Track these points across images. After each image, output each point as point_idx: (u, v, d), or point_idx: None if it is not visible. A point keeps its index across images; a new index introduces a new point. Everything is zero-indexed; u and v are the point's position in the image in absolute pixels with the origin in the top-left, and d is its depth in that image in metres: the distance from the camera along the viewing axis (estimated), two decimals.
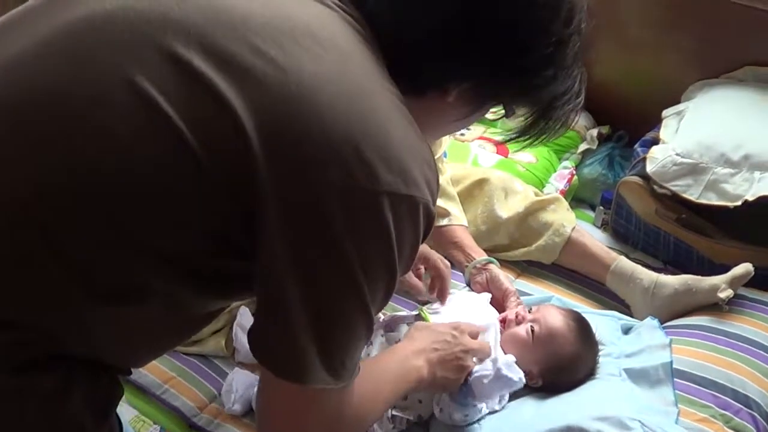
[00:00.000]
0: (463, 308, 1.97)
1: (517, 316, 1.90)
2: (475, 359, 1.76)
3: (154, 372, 2.03)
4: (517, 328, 1.89)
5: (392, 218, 1.10)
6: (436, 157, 2.26)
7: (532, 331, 1.88)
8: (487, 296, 2.06)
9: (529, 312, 1.93)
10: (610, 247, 2.50)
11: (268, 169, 1.06)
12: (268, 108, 1.07)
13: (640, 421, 1.69)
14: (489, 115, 1.39)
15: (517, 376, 1.79)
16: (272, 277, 1.12)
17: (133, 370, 1.44)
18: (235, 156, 1.06)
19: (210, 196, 1.09)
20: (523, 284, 2.39)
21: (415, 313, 1.95)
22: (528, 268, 2.46)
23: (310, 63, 1.10)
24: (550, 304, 2.02)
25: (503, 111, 1.33)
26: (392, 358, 1.64)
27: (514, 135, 1.35)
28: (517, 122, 1.34)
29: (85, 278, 1.10)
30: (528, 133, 1.34)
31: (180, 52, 1.08)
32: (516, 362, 1.84)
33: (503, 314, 1.95)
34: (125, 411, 1.96)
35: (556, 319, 1.90)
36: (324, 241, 1.10)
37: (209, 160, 1.06)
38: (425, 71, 1.24)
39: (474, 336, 1.79)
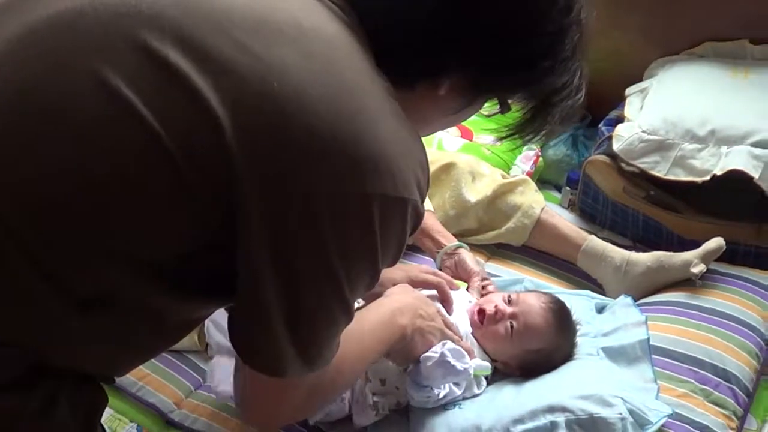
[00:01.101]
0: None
1: (496, 313, 1.86)
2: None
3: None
4: (495, 327, 1.86)
5: (379, 221, 1.07)
6: None
7: (511, 327, 1.85)
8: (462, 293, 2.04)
9: (509, 302, 1.90)
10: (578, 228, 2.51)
11: (249, 170, 1.02)
12: (250, 107, 1.02)
13: (621, 398, 1.68)
14: (483, 111, 1.34)
15: (463, 366, 1.75)
16: (253, 278, 1.09)
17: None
18: (213, 157, 1.02)
19: (187, 198, 1.04)
20: (494, 267, 2.38)
21: None
22: (497, 250, 2.45)
23: (294, 57, 1.05)
24: (531, 292, 2.00)
25: (498, 106, 1.29)
26: (376, 312, 1.62)
27: (510, 132, 1.30)
28: (513, 118, 1.30)
29: (61, 288, 1.06)
30: (525, 130, 1.29)
31: (154, 46, 1.03)
32: (492, 354, 1.87)
33: (481, 304, 1.91)
34: None
35: (535, 314, 1.87)
36: (308, 245, 1.07)
37: (185, 161, 1.02)
38: (414, 62, 1.18)
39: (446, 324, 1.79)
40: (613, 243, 2.39)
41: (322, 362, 1.20)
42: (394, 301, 1.67)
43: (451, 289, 1.95)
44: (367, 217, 1.07)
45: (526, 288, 2.23)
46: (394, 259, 1.18)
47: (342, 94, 1.06)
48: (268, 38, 1.06)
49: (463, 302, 1.96)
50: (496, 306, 1.87)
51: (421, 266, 2.03)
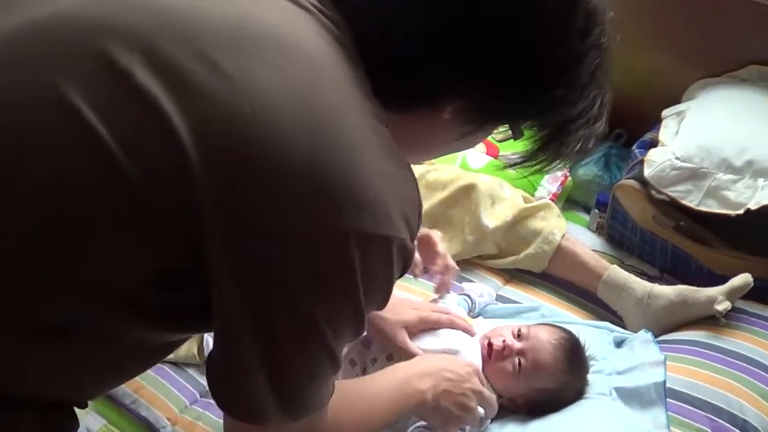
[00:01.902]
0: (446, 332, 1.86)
1: (504, 349, 1.78)
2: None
3: None
4: (502, 363, 1.78)
5: (359, 259, 0.98)
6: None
7: (519, 364, 1.77)
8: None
9: (518, 336, 1.81)
10: (604, 253, 2.44)
11: (216, 202, 0.94)
12: (218, 134, 0.94)
13: None
14: (495, 135, 1.24)
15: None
16: (225, 316, 1.02)
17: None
18: (176, 185, 0.94)
19: (148, 226, 0.97)
20: (512, 291, 2.31)
21: None
22: (517, 274, 2.37)
23: (271, 79, 0.97)
24: (544, 326, 1.90)
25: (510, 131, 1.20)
26: (390, 377, 1.54)
27: (521, 159, 1.20)
28: (527, 144, 1.20)
29: (13, 317, 1.00)
30: (536, 158, 1.19)
31: (121, 63, 0.95)
32: (498, 390, 1.78)
33: (490, 337, 1.83)
34: (93, 421, 1.92)
35: (544, 352, 1.78)
36: (279, 285, 0.98)
37: (145, 187, 0.94)
38: (413, 84, 1.09)
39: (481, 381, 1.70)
40: (640, 271, 2.32)
41: (306, 411, 1.12)
42: (413, 366, 1.59)
43: (465, 326, 1.87)
44: (346, 256, 0.98)
45: (543, 315, 2.15)
46: (382, 302, 1.09)
47: (321, 123, 0.97)
48: (245, 56, 0.98)
49: (475, 337, 1.88)
50: (504, 341, 1.78)
51: (432, 305, 1.93)
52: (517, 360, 1.77)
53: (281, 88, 0.97)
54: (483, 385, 1.72)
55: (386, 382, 1.50)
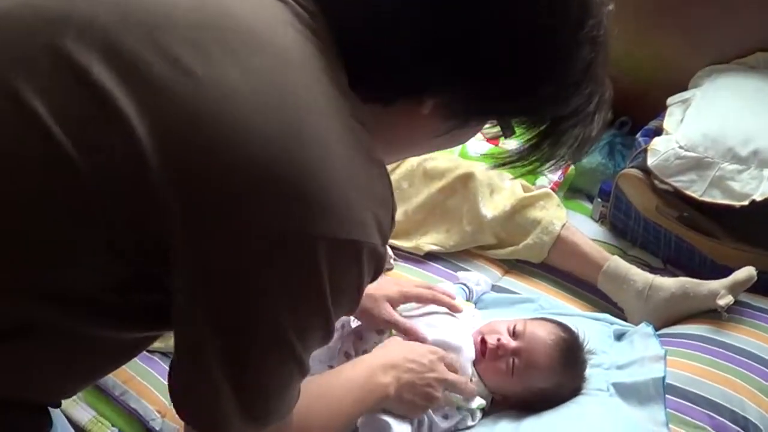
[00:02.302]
0: (438, 314, 1.84)
1: (498, 348, 1.73)
2: (446, 392, 1.64)
3: (114, 371, 1.91)
4: (496, 363, 1.74)
5: (327, 266, 0.94)
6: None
7: (513, 363, 1.73)
8: (469, 313, 1.91)
9: (514, 333, 1.77)
10: (607, 243, 2.41)
11: (176, 205, 0.90)
12: (179, 132, 0.89)
13: None
14: (485, 133, 1.18)
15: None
16: (186, 322, 0.98)
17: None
18: (134, 187, 0.90)
19: (104, 228, 0.92)
20: (511, 282, 2.27)
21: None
22: (517, 265, 2.33)
23: (236, 75, 0.92)
24: (541, 321, 1.84)
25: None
26: (357, 370, 1.51)
27: (511, 158, 1.13)
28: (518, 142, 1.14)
29: None
30: (528, 158, 1.12)
31: (78, 58, 0.91)
32: (491, 388, 1.76)
33: (484, 333, 1.78)
34: (82, 412, 1.90)
35: (539, 352, 1.74)
36: (243, 292, 0.94)
37: (101, 188, 0.90)
38: (390, 77, 1.03)
39: (451, 368, 1.66)
40: (643, 262, 2.29)
41: (271, 419, 1.08)
42: (377, 358, 1.56)
43: (449, 302, 1.84)
44: (312, 261, 0.93)
45: (541, 307, 2.11)
46: (350, 308, 1.05)
47: (288, 123, 0.92)
48: (210, 51, 0.93)
49: (469, 325, 1.83)
50: (498, 339, 1.74)
51: (416, 281, 1.89)
52: (511, 360, 1.72)
53: (247, 86, 0.92)
54: (471, 378, 1.71)
55: (350, 377, 1.47)
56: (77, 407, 1.91)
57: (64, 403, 1.86)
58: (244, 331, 0.96)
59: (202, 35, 0.94)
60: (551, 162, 1.13)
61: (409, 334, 1.73)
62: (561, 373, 1.74)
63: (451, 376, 1.64)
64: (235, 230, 0.91)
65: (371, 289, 1.70)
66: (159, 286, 0.97)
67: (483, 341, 1.75)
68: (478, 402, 1.72)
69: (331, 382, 1.41)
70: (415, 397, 1.56)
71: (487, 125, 1.13)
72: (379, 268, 1.02)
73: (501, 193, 2.30)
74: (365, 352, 1.72)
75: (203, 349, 0.97)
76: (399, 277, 2.21)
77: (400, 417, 1.61)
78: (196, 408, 1.04)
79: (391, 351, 1.59)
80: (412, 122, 1.08)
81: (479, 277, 2.16)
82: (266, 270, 0.92)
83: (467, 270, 2.25)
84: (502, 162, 1.14)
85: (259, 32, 0.96)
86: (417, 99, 1.05)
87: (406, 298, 1.79)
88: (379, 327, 1.76)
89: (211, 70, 0.91)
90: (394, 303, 1.77)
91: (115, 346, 1.11)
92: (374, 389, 1.48)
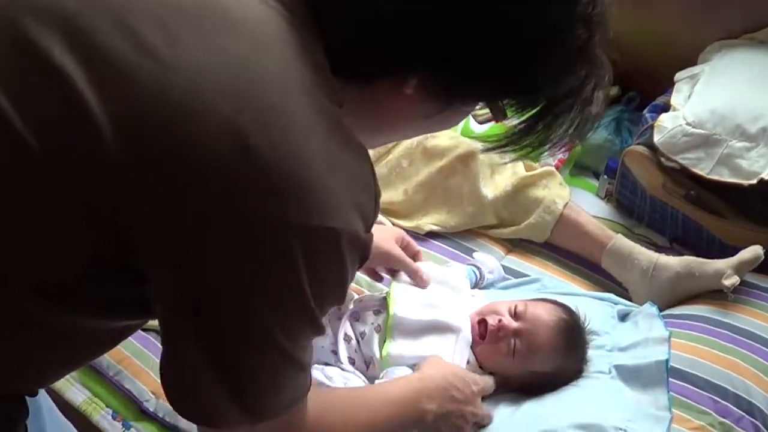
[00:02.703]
0: (438, 291, 1.80)
1: (499, 330, 1.70)
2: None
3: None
4: (497, 345, 1.70)
5: (303, 255, 0.90)
6: None
7: (514, 347, 1.69)
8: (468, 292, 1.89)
9: (515, 314, 1.73)
10: (613, 221, 2.36)
11: (140, 194, 0.86)
12: (143, 119, 0.85)
13: (624, 430, 1.52)
14: (476, 115, 1.12)
15: None
16: (167, 316, 0.95)
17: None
18: (93, 175, 0.86)
19: (66, 218, 0.89)
20: (514, 261, 2.23)
21: (383, 296, 1.78)
22: (519, 243, 2.29)
23: (203, 56, 0.87)
24: (542, 302, 1.80)
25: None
26: (402, 388, 1.48)
27: (501, 142, 1.08)
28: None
29: None
30: (519, 142, 1.07)
31: (39, 40, 0.87)
32: (490, 370, 1.72)
33: (485, 314, 1.74)
34: (76, 393, 1.89)
35: (542, 335, 1.70)
36: (216, 284, 0.90)
37: (60, 175, 0.86)
38: (369, 54, 0.98)
39: (489, 390, 1.65)
40: (650, 241, 2.25)
41: (270, 413, 1.03)
42: (425, 380, 1.51)
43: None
44: (286, 251, 0.89)
45: (544, 286, 2.07)
46: (338, 298, 1.01)
47: (258, 105, 0.87)
48: (176, 31, 0.88)
49: (468, 305, 1.81)
50: (499, 321, 1.70)
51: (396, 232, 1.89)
52: (512, 342, 1.69)
53: (215, 67, 0.88)
54: (468, 360, 1.69)
55: (392, 395, 1.44)
56: (71, 388, 1.89)
57: (58, 383, 1.85)
58: (221, 325, 0.93)
59: (171, 15, 0.89)
60: (546, 146, 1.07)
61: (414, 277, 1.75)
62: (563, 356, 1.71)
63: (485, 413, 1.61)
64: (202, 219, 0.87)
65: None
66: (132, 274, 0.93)
67: (483, 322, 1.71)
68: None
69: (370, 395, 1.39)
70: (447, 427, 1.53)
71: (478, 108, 1.08)
72: (363, 256, 0.98)
73: (502, 173, 2.26)
74: (363, 334, 1.69)
75: (185, 344, 0.95)
76: None
77: None
78: (190, 404, 1.01)
79: (440, 376, 1.55)
80: (395, 103, 1.03)
81: (495, 265, 2.11)
82: (237, 260, 0.89)
83: (475, 251, 2.22)
84: (493, 146, 1.09)
85: (230, 10, 0.92)
86: (399, 78, 1.00)
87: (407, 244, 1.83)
88: (391, 267, 1.79)
89: (177, 52, 0.87)
90: (399, 242, 1.80)
91: (94, 335, 1.07)
92: (414, 413, 1.45)
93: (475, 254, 2.15)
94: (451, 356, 1.66)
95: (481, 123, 1.13)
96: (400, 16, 0.94)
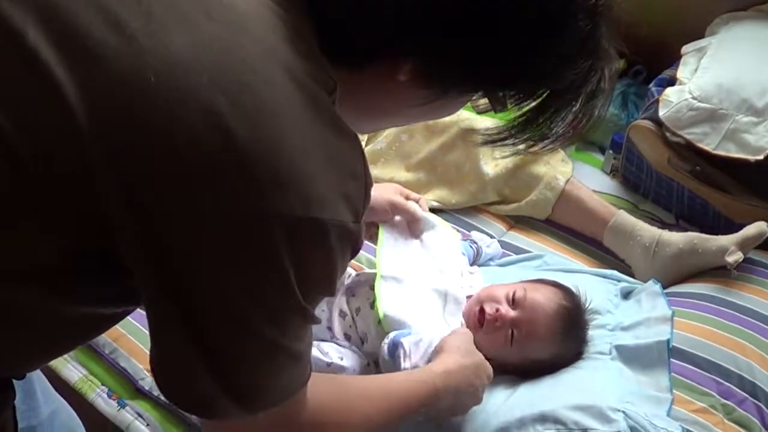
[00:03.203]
0: (421, 252, 1.79)
1: (496, 320, 1.66)
2: None
3: None
4: (494, 334, 1.66)
5: (286, 247, 0.86)
6: None
7: (512, 334, 1.66)
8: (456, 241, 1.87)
9: (513, 301, 1.69)
10: (618, 197, 2.34)
11: (116, 183, 0.83)
12: (117, 105, 0.82)
13: (623, 412, 1.49)
14: (474, 106, 1.07)
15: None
16: (152, 307, 0.91)
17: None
18: (70, 165, 0.83)
19: (44, 208, 0.86)
20: (516, 237, 2.21)
21: (375, 271, 1.74)
22: (521, 219, 2.27)
23: (183, 39, 0.84)
24: (542, 286, 1.76)
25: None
26: (421, 390, 1.41)
27: (500, 135, 1.04)
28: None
29: None
30: (519, 136, 1.03)
31: (13, 22, 0.83)
32: (488, 355, 1.64)
33: (483, 301, 1.71)
34: (72, 371, 1.88)
35: (540, 323, 1.66)
36: (198, 275, 0.87)
37: (36, 164, 0.83)
38: (360, 38, 0.95)
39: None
40: (655, 218, 2.23)
41: (265, 404, 1.00)
42: (440, 380, 1.44)
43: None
44: (268, 243, 0.86)
45: (545, 263, 2.04)
46: (327, 290, 0.98)
47: (237, 91, 0.84)
48: (156, 14, 0.85)
49: (456, 268, 1.80)
50: (497, 310, 1.66)
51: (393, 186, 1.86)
52: (510, 331, 1.65)
53: (193, 51, 0.84)
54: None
55: (408, 397, 1.38)
56: (67, 365, 1.88)
57: (54, 361, 1.84)
58: (206, 318, 0.90)
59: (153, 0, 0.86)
60: (547, 142, 1.04)
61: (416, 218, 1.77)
62: (561, 344, 1.68)
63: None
64: (177, 210, 0.84)
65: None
66: (115, 265, 0.90)
67: (481, 310, 1.68)
68: None
69: (384, 391, 1.34)
70: (450, 412, 1.52)
71: (476, 96, 1.04)
72: (355, 247, 0.95)
73: (504, 149, 2.20)
74: (359, 310, 1.67)
75: (172, 336, 0.91)
76: None
77: None
78: (183, 393, 0.98)
79: (460, 374, 1.49)
80: (388, 89, 1.00)
81: (492, 241, 2.09)
82: (217, 252, 0.86)
83: (477, 228, 2.20)
84: (491, 139, 1.05)
85: None
86: (392, 64, 0.96)
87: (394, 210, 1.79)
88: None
89: (156, 35, 0.83)
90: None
91: (81, 322, 1.03)
92: (425, 410, 1.42)
93: (472, 232, 2.11)
94: (442, 317, 1.65)
95: (480, 113, 1.08)
96: (392, 4, 0.91)
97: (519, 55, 0.94)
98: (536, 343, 1.66)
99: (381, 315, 1.60)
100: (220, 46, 0.85)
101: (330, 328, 1.68)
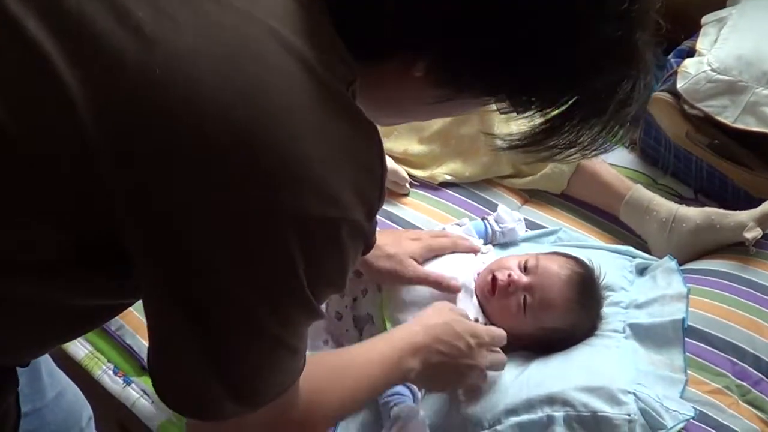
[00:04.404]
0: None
1: (509, 285, 1.63)
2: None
3: None
4: (507, 300, 1.63)
5: (297, 244, 0.84)
6: None
7: (524, 302, 1.62)
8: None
9: (525, 269, 1.66)
10: (637, 171, 2.29)
11: (120, 179, 0.81)
12: (121, 101, 0.79)
13: (634, 394, 1.46)
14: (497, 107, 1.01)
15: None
16: (154, 304, 0.90)
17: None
18: (73, 161, 0.81)
19: (46, 202, 0.84)
20: (530, 211, 2.17)
21: None
22: (536, 193, 2.22)
23: (192, 32, 0.81)
24: (554, 256, 1.73)
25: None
26: (382, 347, 1.37)
27: (521, 141, 0.99)
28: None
29: None
30: (543, 143, 0.98)
31: (13, 11, 0.81)
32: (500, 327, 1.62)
33: (494, 270, 1.67)
34: (78, 347, 1.88)
35: (553, 288, 1.63)
36: (204, 271, 0.85)
37: (38, 159, 0.81)
38: (377, 33, 0.91)
39: (498, 343, 1.53)
40: (674, 192, 2.18)
41: (263, 399, 0.98)
42: (407, 336, 1.41)
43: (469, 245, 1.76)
44: (278, 240, 0.84)
45: (560, 239, 2.01)
46: (337, 287, 0.96)
47: (245, 83, 0.81)
48: (164, 6, 0.82)
49: (469, 260, 1.75)
50: (509, 275, 1.63)
51: (430, 231, 1.81)
52: (522, 297, 1.62)
53: (203, 44, 0.81)
54: (477, 319, 1.62)
55: (373, 355, 1.34)
56: (74, 342, 1.88)
57: None
58: (211, 313, 0.88)
59: None
60: (573, 151, 0.98)
61: (440, 287, 1.63)
62: (576, 311, 1.64)
63: (488, 360, 1.50)
64: (186, 205, 0.82)
65: (392, 247, 1.62)
66: (117, 261, 0.88)
67: (493, 279, 1.65)
68: None
69: (353, 357, 1.31)
70: (434, 381, 1.47)
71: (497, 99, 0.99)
72: (368, 244, 0.93)
73: (518, 121, 2.15)
74: (365, 291, 1.65)
75: (174, 332, 0.90)
76: (414, 206, 2.15)
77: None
78: (181, 395, 0.96)
79: (424, 329, 1.44)
80: (402, 85, 0.96)
81: (515, 221, 1.99)
82: (225, 247, 0.83)
83: (492, 202, 2.16)
84: (514, 144, 1.01)
85: None
86: (408, 60, 0.92)
87: (431, 252, 1.69)
88: (406, 285, 1.65)
89: (163, 28, 0.81)
90: (419, 259, 1.66)
91: (83, 313, 1.02)
92: (397, 372, 1.36)
93: (499, 207, 2.02)
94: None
95: (503, 113, 1.03)
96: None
97: (536, 61, 0.90)
98: (551, 309, 1.62)
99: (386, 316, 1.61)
100: (229, 39, 0.82)
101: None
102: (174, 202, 0.81)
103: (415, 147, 2.25)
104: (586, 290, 1.67)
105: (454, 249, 1.72)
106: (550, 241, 1.99)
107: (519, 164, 2.18)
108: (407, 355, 1.35)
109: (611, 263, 1.86)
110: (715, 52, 2.09)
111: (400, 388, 1.54)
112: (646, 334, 1.68)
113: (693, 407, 1.50)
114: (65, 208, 0.84)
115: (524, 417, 1.47)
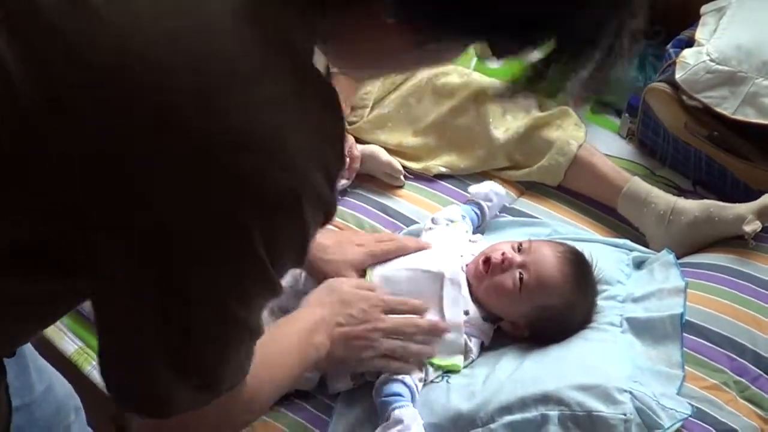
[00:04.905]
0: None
1: (503, 262, 1.62)
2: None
3: None
4: (502, 277, 1.62)
5: (256, 216, 0.82)
6: None
7: (521, 279, 1.61)
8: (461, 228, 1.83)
9: (519, 250, 1.64)
10: (634, 162, 2.26)
11: (73, 166, 0.78)
12: (75, 89, 0.77)
13: (630, 392, 1.44)
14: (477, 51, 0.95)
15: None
16: (107, 303, 0.88)
17: None
18: (23, 148, 0.78)
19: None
20: (527, 204, 2.14)
21: None
22: (533, 185, 2.19)
23: (149, 8, 0.78)
24: (545, 241, 1.74)
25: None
26: (290, 330, 1.39)
27: (509, 89, 0.93)
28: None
29: None
30: (530, 89, 0.92)
31: None
32: (496, 312, 1.65)
33: (487, 253, 1.67)
34: (68, 343, 1.88)
35: (548, 264, 1.63)
36: (158, 255, 0.83)
37: None
38: None
39: (400, 310, 1.56)
40: (672, 184, 2.15)
41: (224, 386, 0.97)
42: (310, 315, 1.45)
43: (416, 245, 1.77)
44: (235, 212, 0.81)
45: (556, 231, 1.99)
46: (297, 261, 0.93)
47: (196, 51, 0.78)
48: None
49: (454, 249, 1.75)
50: (503, 253, 1.63)
51: (376, 235, 1.83)
52: (518, 274, 1.62)
53: (150, 15, 0.78)
54: (468, 311, 1.62)
55: (285, 340, 1.35)
56: (64, 338, 1.87)
57: (49, 332, 1.81)
58: (173, 297, 0.86)
59: None
60: (561, 92, 0.94)
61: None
62: (573, 289, 1.64)
63: (391, 322, 1.53)
64: (142, 182, 0.79)
65: (334, 254, 1.66)
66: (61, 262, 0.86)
67: (486, 260, 1.65)
68: (449, 361, 1.61)
69: (269, 346, 1.29)
70: (348, 351, 1.49)
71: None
72: (327, 215, 0.90)
73: (514, 112, 2.16)
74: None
75: (132, 329, 0.89)
76: (409, 198, 2.14)
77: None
78: (140, 395, 0.95)
79: (322, 304, 1.49)
80: (377, 35, 0.90)
81: (490, 187, 2.01)
82: (183, 224, 0.81)
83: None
84: (502, 92, 0.95)
85: None
86: (373, 5, 0.86)
87: (374, 259, 1.71)
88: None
89: (120, 11, 0.78)
90: (359, 267, 1.70)
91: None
92: (309, 351, 1.38)
93: (469, 188, 2.03)
94: (438, 304, 1.62)
95: (480, 57, 0.99)
96: None
97: (508, 5, 0.83)
98: (547, 286, 1.62)
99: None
100: (178, 9, 0.79)
101: None
102: (121, 182, 0.79)
103: (409, 139, 2.22)
104: (582, 269, 1.68)
105: (399, 253, 1.73)
106: (545, 235, 1.95)
107: (515, 156, 2.15)
108: (315, 332, 1.39)
109: (608, 256, 1.84)
110: (715, 42, 2.06)
111: (399, 389, 1.52)
112: (643, 329, 1.66)
113: (690, 405, 1.48)
114: (21, 202, 0.81)
115: (518, 416, 1.45)
